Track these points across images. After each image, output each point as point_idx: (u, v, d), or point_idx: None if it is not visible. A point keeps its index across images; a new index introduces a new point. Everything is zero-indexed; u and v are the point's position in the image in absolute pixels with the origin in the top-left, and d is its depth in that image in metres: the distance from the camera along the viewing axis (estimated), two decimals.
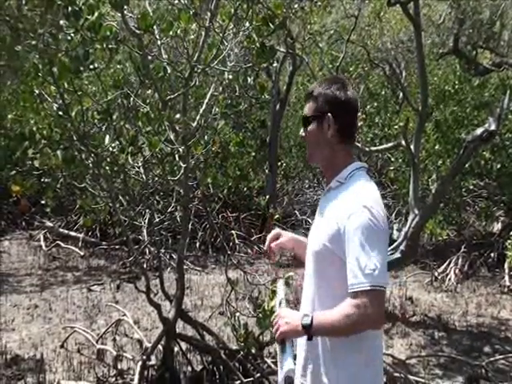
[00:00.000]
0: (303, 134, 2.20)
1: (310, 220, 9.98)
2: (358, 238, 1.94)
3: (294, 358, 2.01)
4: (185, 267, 5.48)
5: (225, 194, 9.83)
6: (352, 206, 1.99)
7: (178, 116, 4.01)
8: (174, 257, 7.59)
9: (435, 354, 5.43)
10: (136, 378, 4.18)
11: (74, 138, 3.75)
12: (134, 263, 7.81)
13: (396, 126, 9.45)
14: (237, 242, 9.07)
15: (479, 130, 5.61)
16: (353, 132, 2.20)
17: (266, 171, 10.20)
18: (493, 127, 5.49)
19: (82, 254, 8.64)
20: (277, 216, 9.82)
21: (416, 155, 6.21)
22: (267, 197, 9.81)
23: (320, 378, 2.07)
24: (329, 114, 2.12)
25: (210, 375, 4.48)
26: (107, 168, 3.97)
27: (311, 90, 2.18)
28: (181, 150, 3.98)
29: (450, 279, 7.50)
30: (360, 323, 1.92)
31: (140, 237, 7.22)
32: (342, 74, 9.71)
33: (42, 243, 8.97)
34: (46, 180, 4.13)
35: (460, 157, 5.77)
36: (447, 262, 7.82)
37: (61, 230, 9.19)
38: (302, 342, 2.15)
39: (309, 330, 1.97)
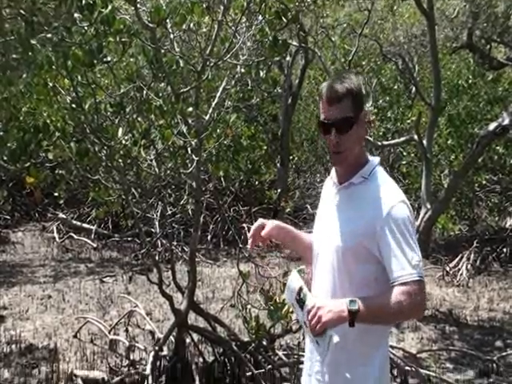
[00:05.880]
0: (338, 140, 2.02)
1: None
2: (401, 232, 1.96)
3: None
4: (196, 260, 5.51)
5: (236, 188, 9.87)
6: (390, 202, 1.99)
7: (190, 109, 4.02)
8: (186, 249, 7.63)
9: (446, 348, 5.42)
10: (148, 367, 4.22)
11: (88, 131, 3.79)
12: (146, 255, 7.86)
13: (408, 121, 9.42)
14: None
15: (493, 125, 5.60)
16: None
17: (278, 165, 10.21)
18: (506, 122, 5.47)
19: (94, 245, 8.72)
20: (288, 209, 9.86)
21: (428, 150, 6.21)
22: (279, 190, 9.84)
23: (340, 371, 2.05)
24: (365, 109, 2.12)
25: (222, 366, 4.52)
26: (120, 161, 4.00)
27: (338, 89, 2.01)
28: (193, 143, 4.01)
29: (461, 274, 7.48)
30: (410, 310, 1.94)
31: (152, 229, 7.27)
32: (355, 68, 9.67)
33: (55, 235, 9.07)
34: (60, 172, 4.17)
35: (473, 151, 5.76)
36: (459, 257, 7.79)
37: (74, 221, 9.27)
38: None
39: (354, 316, 1.88)
